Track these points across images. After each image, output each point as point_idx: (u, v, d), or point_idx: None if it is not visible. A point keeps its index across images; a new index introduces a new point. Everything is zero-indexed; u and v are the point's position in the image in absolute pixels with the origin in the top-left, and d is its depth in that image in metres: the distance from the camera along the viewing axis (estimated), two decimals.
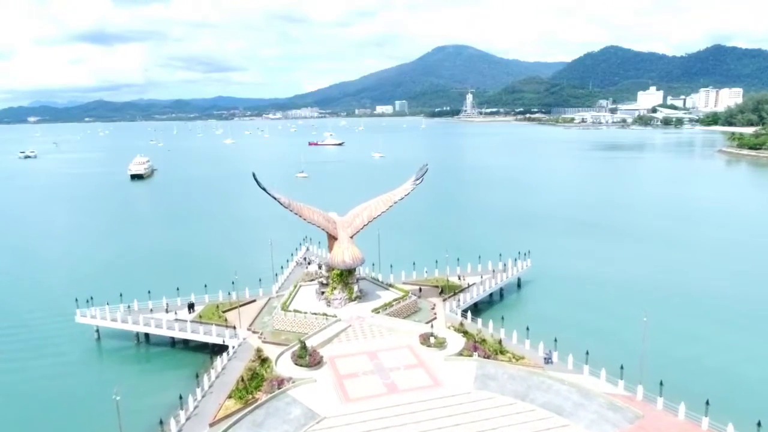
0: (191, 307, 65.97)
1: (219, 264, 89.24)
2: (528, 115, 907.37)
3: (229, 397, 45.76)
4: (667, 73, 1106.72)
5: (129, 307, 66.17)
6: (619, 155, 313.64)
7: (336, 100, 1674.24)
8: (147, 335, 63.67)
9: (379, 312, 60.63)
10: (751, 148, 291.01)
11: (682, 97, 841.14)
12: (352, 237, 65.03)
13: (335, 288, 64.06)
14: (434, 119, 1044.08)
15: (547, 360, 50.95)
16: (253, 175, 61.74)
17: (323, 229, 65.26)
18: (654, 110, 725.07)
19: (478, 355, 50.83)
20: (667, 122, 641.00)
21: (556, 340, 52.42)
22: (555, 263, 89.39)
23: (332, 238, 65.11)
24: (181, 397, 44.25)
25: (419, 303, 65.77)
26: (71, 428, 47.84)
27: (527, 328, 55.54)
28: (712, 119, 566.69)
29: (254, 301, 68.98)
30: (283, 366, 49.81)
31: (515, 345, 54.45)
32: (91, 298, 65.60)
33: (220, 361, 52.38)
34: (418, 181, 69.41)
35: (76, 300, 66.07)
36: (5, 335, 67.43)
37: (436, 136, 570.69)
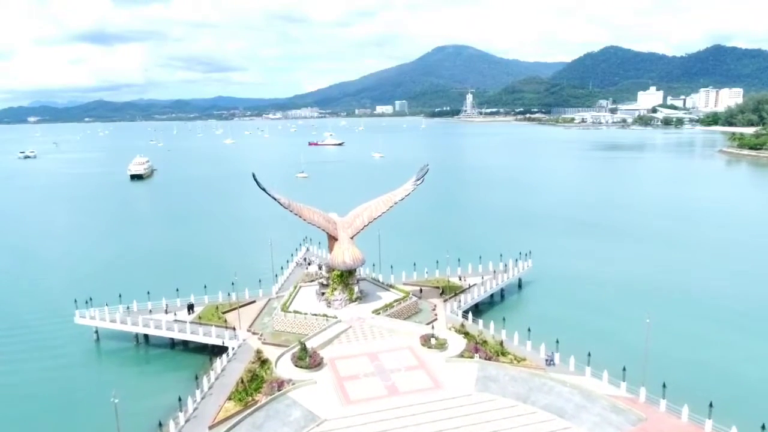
0: (191, 308, 65.74)
1: (219, 265, 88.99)
2: (528, 115, 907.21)
3: (229, 398, 45.46)
4: (667, 73, 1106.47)
5: (128, 308, 65.95)
6: (620, 155, 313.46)
7: (336, 100, 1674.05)
8: (146, 336, 63.43)
9: (379, 313, 60.34)
10: (751, 148, 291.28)
11: (682, 97, 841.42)
12: (352, 237, 64.76)
13: (335, 289, 63.80)
14: (434, 119, 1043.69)
15: (549, 362, 50.65)
16: (253, 175, 61.46)
17: (323, 230, 65.00)
18: (654, 110, 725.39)
19: (480, 357, 50.54)
20: (667, 122, 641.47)
21: (557, 342, 52.15)
22: (556, 263, 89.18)
23: (332, 239, 64.83)
24: (180, 399, 44.00)
25: (420, 304, 65.49)
26: (70, 430, 47.59)
27: (528, 329, 55.29)
28: (713, 119, 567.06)
29: (254, 302, 68.69)
30: (283, 367, 49.54)
31: (517, 346, 54.15)
32: (91, 298, 65.38)
33: (219, 363, 52.13)
34: (418, 182, 69.11)
35: (76, 301, 65.86)
36: (4, 336, 67.20)
37: (436, 136, 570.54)
